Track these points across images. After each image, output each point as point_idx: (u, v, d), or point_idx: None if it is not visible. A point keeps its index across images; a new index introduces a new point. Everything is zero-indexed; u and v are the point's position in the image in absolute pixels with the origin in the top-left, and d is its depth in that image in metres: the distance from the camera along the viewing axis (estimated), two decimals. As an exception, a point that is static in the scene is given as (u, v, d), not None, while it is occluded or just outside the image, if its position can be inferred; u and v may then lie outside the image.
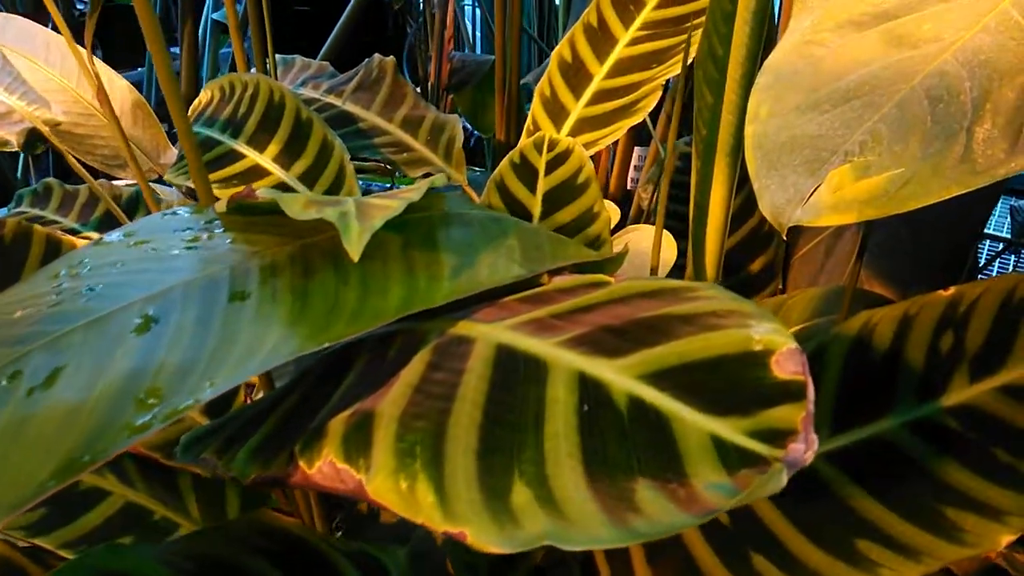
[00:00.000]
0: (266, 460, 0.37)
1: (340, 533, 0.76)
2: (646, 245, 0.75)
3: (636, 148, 1.23)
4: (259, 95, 0.94)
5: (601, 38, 0.90)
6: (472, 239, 0.45)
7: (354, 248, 0.35)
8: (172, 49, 1.63)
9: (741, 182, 0.68)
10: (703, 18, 0.59)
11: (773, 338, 0.33)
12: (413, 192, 0.42)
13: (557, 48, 0.91)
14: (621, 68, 0.87)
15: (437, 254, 0.43)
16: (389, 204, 0.39)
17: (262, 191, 0.40)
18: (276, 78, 1.05)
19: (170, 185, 1.03)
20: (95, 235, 1.06)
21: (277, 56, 1.18)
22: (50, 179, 1.11)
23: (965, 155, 0.41)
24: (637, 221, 1.07)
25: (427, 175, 1.17)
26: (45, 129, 0.74)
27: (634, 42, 0.87)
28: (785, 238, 0.53)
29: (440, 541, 0.52)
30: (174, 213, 0.45)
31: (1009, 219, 1.80)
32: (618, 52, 0.88)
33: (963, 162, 0.41)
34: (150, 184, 1.10)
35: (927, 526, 0.49)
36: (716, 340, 0.34)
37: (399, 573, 0.48)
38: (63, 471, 0.30)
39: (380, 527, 0.73)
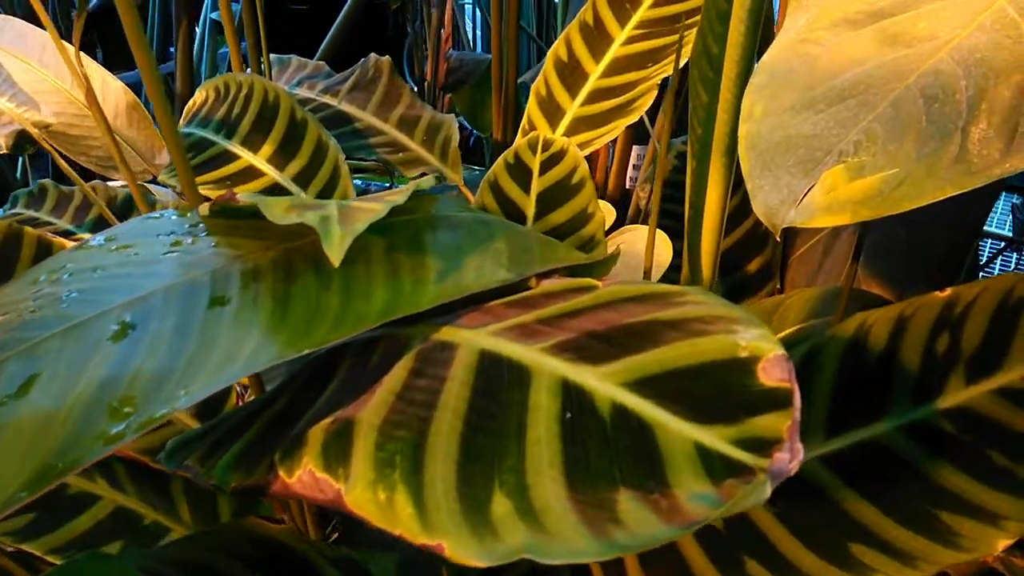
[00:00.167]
0: (247, 468, 0.37)
1: (336, 537, 0.76)
2: (641, 246, 0.75)
3: (635, 147, 1.23)
4: (253, 95, 0.93)
5: (597, 37, 0.89)
6: (459, 242, 0.44)
7: (335, 253, 0.35)
8: (171, 49, 1.63)
9: (738, 182, 0.67)
10: (699, 16, 0.59)
11: (760, 344, 0.32)
12: (398, 195, 0.41)
13: (553, 47, 0.90)
14: (617, 67, 0.86)
15: (423, 258, 0.42)
16: (372, 207, 0.38)
17: (243, 195, 0.39)
18: (271, 78, 1.05)
19: (165, 186, 1.03)
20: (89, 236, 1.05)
21: (273, 56, 1.18)
22: (45, 180, 1.11)
23: (960, 155, 0.40)
24: (635, 220, 1.06)
25: (423, 175, 1.17)
26: (34, 131, 0.74)
27: (630, 41, 0.87)
28: (779, 239, 0.53)
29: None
30: (157, 216, 0.44)
31: (1011, 217, 1.79)
32: (614, 51, 0.87)
33: (958, 162, 0.40)
34: (146, 185, 1.09)
35: (922, 530, 0.48)
36: (702, 346, 0.33)
37: (387, 580, 0.48)
38: (36, 481, 0.30)
39: (375, 533, 0.72)
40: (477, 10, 2.26)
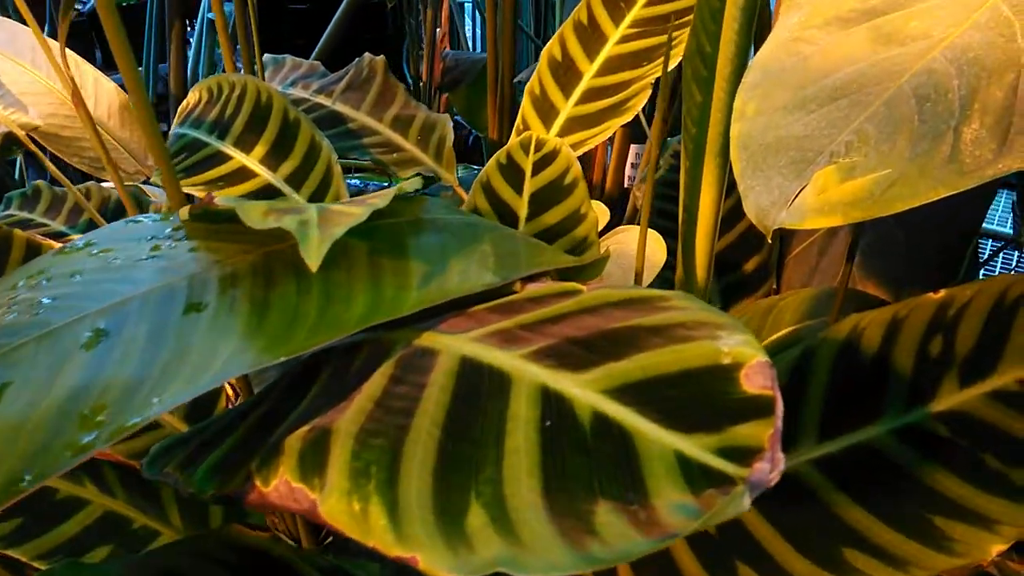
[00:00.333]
0: (225, 477, 0.36)
1: (329, 542, 0.75)
2: (635, 247, 0.74)
3: (632, 145, 1.22)
4: (246, 96, 0.93)
5: (591, 36, 0.88)
6: (444, 246, 0.43)
7: (312, 258, 0.34)
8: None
9: (733, 181, 0.67)
10: (692, 15, 0.58)
11: (742, 351, 0.32)
12: (379, 198, 0.41)
13: (547, 46, 0.90)
14: (611, 66, 0.86)
15: (406, 262, 0.41)
16: (352, 211, 0.38)
17: (221, 198, 0.39)
18: (263, 78, 1.04)
19: (160, 187, 1.02)
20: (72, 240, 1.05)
21: (267, 56, 1.17)
22: (39, 182, 1.10)
23: (952, 156, 0.40)
24: (633, 220, 1.06)
25: (419, 176, 1.16)
26: (21, 133, 0.73)
27: (624, 40, 0.86)
28: (771, 240, 0.52)
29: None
30: (138, 220, 0.44)
31: (1011, 215, 1.78)
32: (608, 50, 0.86)
33: (950, 163, 0.40)
34: (140, 185, 1.09)
35: (915, 535, 0.48)
36: (684, 353, 0.33)
37: (373, 587, 0.47)
38: (2, 492, 0.29)
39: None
40: (477, 11, 2.25)
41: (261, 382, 0.65)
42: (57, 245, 0.74)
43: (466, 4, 2.33)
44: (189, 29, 1.92)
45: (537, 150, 0.73)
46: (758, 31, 0.54)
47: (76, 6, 2.88)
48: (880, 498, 0.49)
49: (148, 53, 1.68)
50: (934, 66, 0.43)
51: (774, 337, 0.72)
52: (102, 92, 1.00)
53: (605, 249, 0.61)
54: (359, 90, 1.06)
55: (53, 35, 1.62)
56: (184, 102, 0.99)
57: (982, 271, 1.72)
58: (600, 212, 0.83)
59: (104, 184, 1.11)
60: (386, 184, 1.65)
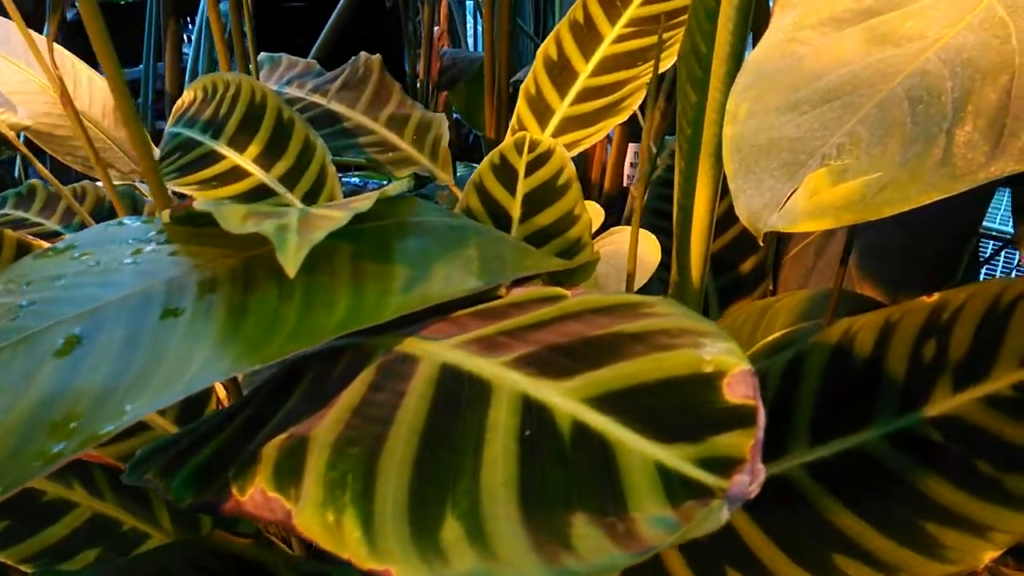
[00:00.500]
0: (203, 484, 0.35)
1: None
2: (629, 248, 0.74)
3: (631, 144, 1.22)
4: (240, 95, 0.92)
5: (587, 35, 0.88)
6: (428, 249, 0.43)
7: (290, 263, 0.34)
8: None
9: (730, 182, 0.66)
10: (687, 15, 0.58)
11: (725, 359, 0.31)
12: (362, 201, 0.40)
13: (543, 45, 0.89)
14: (607, 66, 0.85)
15: (390, 266, 0.41)
16: (333, 215, 0.37)
17: (200, 201, 0.38)
18: (258, 77, 1.04)
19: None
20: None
21: (263, 55, 1.17)
22: (35, 180, 1.10)
23: (945, 159, 0.39)
24: (631, 218, 1.05)
25: (415, 175, 1.16)
26: (10, 133, 0.73)
27: (620, 39, 0.85)
28: (762, 243, 0.52)
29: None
30: (119, 223, 0.43)
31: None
32: (604, 49, 0.86)
33: (943, 166, 0.39)
34: (136, 185, 1.08)
35: (907, 541, 0.47)
36: (666, 361, 0.32)
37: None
38: (-30, 504, 0.29)
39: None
40: (478, 10, 2.24)
41: (250, 383, 0.65)
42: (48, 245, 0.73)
43: (467, 2, 2.33)
44: (190, 26, 1.91)
45: (531, 150, 0.72)
46: (757, 30, 0.54)
47: (77, 4, 2.87)
48: (872, 504, 0.49)
49: (148, 51, 1.68)
50: (928, 67, 0.43)
51: (768, 339, 0.71)
52: (96, 91, 1.00)
53: (596, 252, 0.60)
54: (355, 89, 1.06)
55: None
56: (179, 101, 0.99)
57: (984, 270, 1.72)
58: (594, 213, 0.82)
59: (100, 183, 1.10)
60: (386, 182, 1.64)
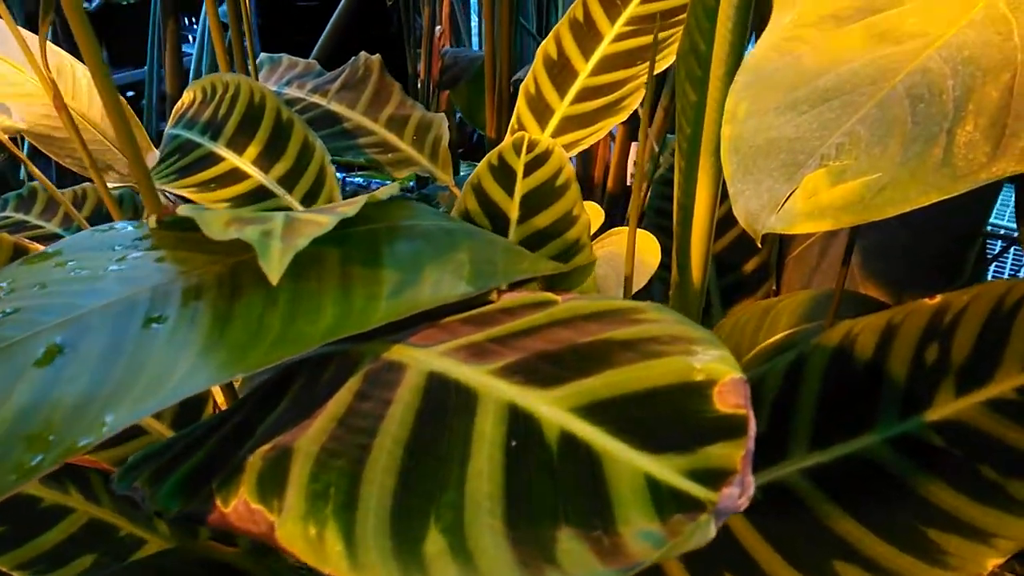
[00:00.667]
0: (189, 494, 0.35)
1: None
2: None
3: (633, 143, 1.21)
4: (239, 96, 0.92)
5: (587, 34, 0.87)
6: (418, 254, 0.42)
7: (273, 270, 0.33)
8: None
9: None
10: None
11: (716, 367, 0.31)
12: (349, 206, 0.39)
13: (542, 44, 0.88)
14: (606, 65, 0.84)
15: (378, 271, 0.40)
16: (319, 221, 0.37)
17: (183, 207, 0.38)
18: (256, 78, 1.03)
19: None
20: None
21: (264, 55, 1.16)
22: (35, 183, 1.10)
23: (945, 159, 0.38)
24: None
25: (416, 176, 1.15)
26: (3, 137, 0.73)
27: (619, 37, 0.85)
28: (760, 245, 0.51)
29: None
30: (105, 229, 0.43)
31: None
32: (603, 48, 0.85)
33: (943, 166, 0.38)
34: (134, 187, 1.08)
35: (909, 548, 0.47)
36: (656, 369, 0.32)
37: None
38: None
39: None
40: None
41: (249, 386, 0.64)
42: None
43: (471, 1, 2.32)
44: (195, 25, 1.91)
45: (529, 151, 0.72)
46: (759, 28, 0.53)
47: (84, 4, 2.87)
48: (872, 509, 0.48)
49: (151, 52, 1.68)
50: (929, 65, 0.42)
51: (769, 341, 0.70)
52: (95, 93, 0.99)
53: (592, 254, 0.59)
54: (354, 89, 1.05)
55: (55, 38, 1.61)
56: (179, 102, 0.98)
57: (992, 268, 1.70)
58: (593, 213, 0.82)
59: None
60: (391, 182, 1.63)
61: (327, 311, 0.37)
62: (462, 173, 1.56)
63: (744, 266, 0.91)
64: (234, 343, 0.34)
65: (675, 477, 0.28)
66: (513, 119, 0.88)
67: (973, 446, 0.48)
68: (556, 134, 0.84)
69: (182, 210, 0.37)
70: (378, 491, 0.30)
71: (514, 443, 0.31)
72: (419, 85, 1.38)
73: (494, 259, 0.44)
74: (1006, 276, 1.73)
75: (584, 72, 0.85)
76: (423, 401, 0.34)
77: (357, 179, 1.89)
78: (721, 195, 0.59)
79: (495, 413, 0.32)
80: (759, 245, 0.49)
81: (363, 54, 1.08)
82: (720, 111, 0.54)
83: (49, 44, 1.04)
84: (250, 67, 1.00)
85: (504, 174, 0.71)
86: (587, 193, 1.28)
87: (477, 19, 2.46)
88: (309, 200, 0.84)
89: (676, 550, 0.25)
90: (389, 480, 0.30)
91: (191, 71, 1.60)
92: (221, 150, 0.89)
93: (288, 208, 0.83)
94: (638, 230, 0.80)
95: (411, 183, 1.61)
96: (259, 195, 0.85)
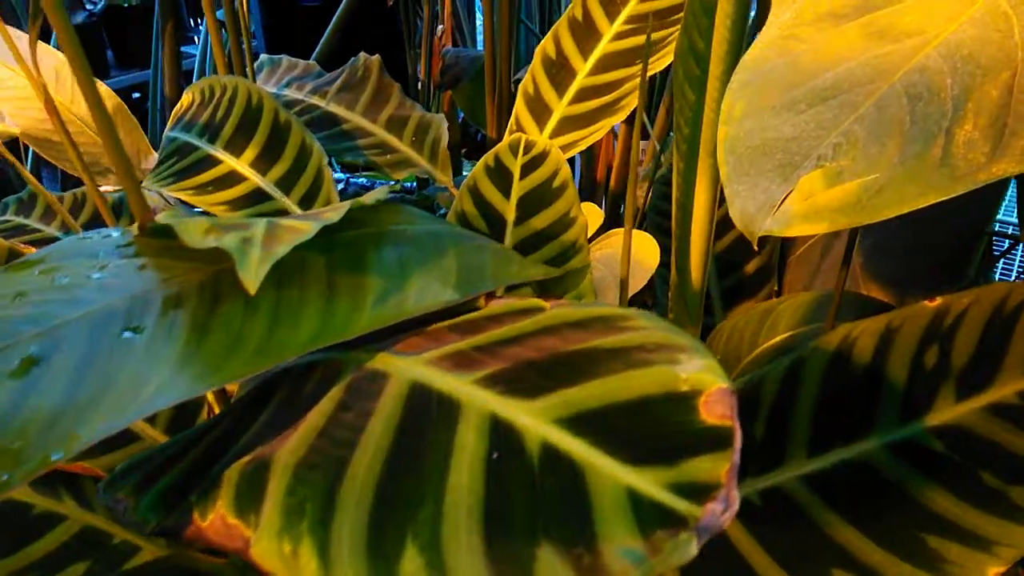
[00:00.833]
0: (169, 507, 0.34)
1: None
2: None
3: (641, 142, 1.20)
4: (237, 98, 0.92)
5: (586, 33, 0.86)
6: (406, 260, 0.42)
7: (250, 279, 0.32)
8: (182, 49, 1.61)
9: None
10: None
11: (702, 377, 0.30)
12: (332, 212, 0.39)
13: (541, 43, 0.88)
14: (605, 64, 0.84)
15: (363, 278, 0.39)
16: (301, 227, 0.36)
17: (162, 215, 0.37)
18: (253, 79, 1.03)
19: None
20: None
21: (264, 56, 1.16)
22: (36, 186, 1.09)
23: (944, 159, 0.38)
24: (634, 218, 1.04)
25: (417, 177, 1.14)
26: (-2, 143, 0.72)
27: (618, 37, 0.84)
28: (756, 247, 0.50)
29: None
30: (89, 237, 0.42)
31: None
32: (602, 47, 0.84)
33: (941, 167, 0.37)
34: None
35: (908, 556, 0.46)
36: (641, 379, 0.31)
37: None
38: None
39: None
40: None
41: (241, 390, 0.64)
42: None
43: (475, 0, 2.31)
44: (201, 26, 1.91)
45: (526, 152, 0.71)
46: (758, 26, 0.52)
47: (88, 6, 2.88)
48: (871, 516, 0.47)
49: (155, 54, 1.67)
50: (928, 63, 0.41)
51: (770, 343, 0.69)
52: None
53: (587, 257, 0.59)
54: (353, 91, 1.05)
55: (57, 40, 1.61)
56: (178, 105, 0.98)
57: (1000, 266, 1.69)
58: (592, 214, 0.81)
59: (101, 188, 1.10)
60: (393, 182, 1.63)
61: (310, 320, 0.36)
62: (465, 173, 1.55)
63: (745, 267, 0.90)
64: (212, 353, 0.34)
65: (658, 491, 0.27)
66: (512, 119, 0.87)
67: (974, 452, 0.47)
68: (555, 134, 0.83)
69: (161, 217, 0.36)
70: (355, 506, 0.29)
71: (495, 455, 0.30)
72: (419, 86, 1.37)
73: (482, 264, 0.43)
74: (1014, 274, 1.71)
75: (583, 71, 0.84)
76: (404, 412, 0.33)
77: (361, 180, 1.89)
78: (720, 195, 0.58)
79: (477, 424, 0.31)
80: (756, 248, 0.48)
81: (362, 54, 1.08)
82: (718, 111, 0.53)
83: (49, 47, 1.04)
84: (248, 69, 0.99)
85: (500, 176, 0.70)
86: (590, 193, 1.27)
87: (483, 18, 2.45)
88: (307, 202, 0.84)
89: (656, 570, 0.25)
90: (367, 494, 0.29)
91: (195, 72, 1.60)
92: (219, 152, 0.89)
93: (285, 211, 0.83)
94: (636, 231, 0.80)
95: (411, 184, 1.60)
96: (256, 197, 0.85)
